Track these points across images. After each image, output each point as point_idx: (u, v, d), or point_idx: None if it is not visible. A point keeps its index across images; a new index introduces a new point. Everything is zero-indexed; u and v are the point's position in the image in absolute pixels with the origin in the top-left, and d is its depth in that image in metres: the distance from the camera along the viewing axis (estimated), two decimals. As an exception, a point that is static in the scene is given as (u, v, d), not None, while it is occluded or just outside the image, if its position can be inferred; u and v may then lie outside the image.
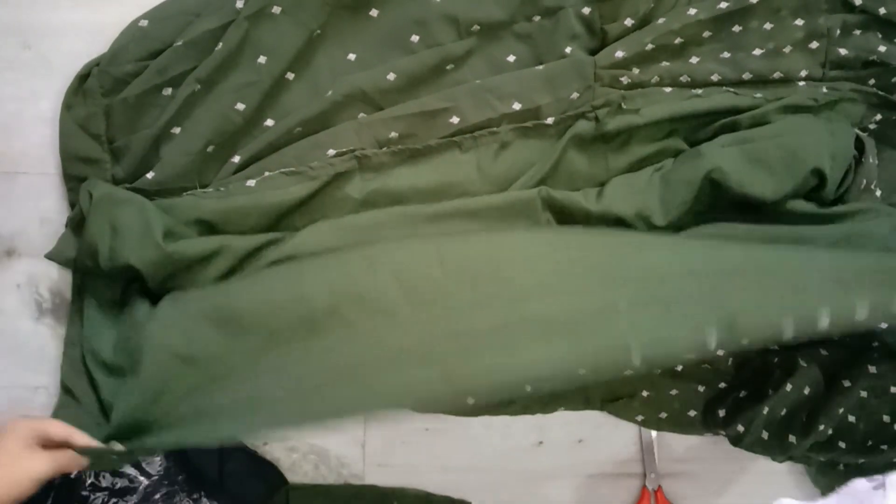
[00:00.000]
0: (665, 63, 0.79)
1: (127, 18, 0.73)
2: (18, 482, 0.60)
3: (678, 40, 0.79)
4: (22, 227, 0.76)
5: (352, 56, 0.76)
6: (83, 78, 0.72)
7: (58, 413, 0.73)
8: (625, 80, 0.77)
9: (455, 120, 0.76)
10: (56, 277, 0.76)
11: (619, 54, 0.77)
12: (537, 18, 0.77)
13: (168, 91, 0.72)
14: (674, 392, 0.81)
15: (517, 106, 0.76)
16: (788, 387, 0.76)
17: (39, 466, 0.61)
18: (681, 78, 0.80)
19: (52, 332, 0.76)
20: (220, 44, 0.71)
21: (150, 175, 0.72)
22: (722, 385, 0.81)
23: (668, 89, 0.79)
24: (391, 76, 0.75)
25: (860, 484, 0.61)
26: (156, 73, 0.71)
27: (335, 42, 0.75)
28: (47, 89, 0.75)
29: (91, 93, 0.72)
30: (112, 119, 0.72)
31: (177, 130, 0.73)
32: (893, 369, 0.86)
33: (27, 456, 0.61)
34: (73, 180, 0.74)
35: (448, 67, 0.77)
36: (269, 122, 0.75)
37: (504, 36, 0.78)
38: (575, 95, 0.77)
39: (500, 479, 0.82)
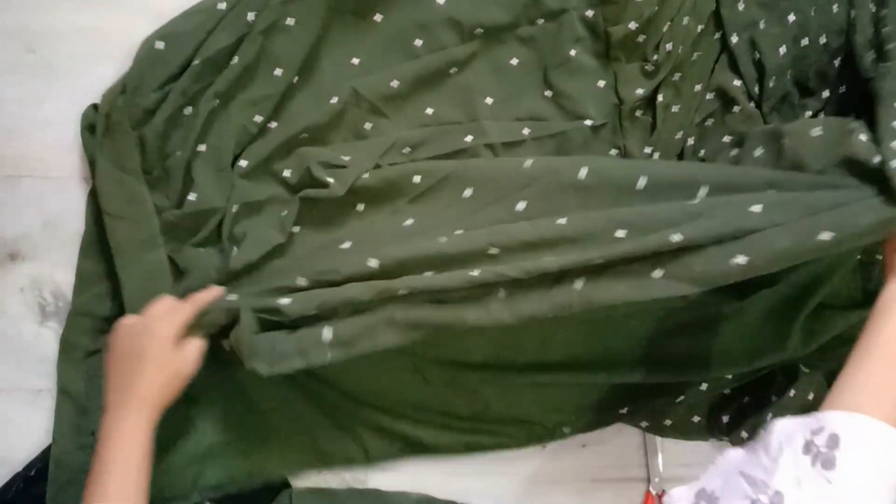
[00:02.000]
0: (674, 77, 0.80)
1: (129, 22, 0.73)
2: (179, 383, 0.63)
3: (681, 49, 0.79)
4: (25, 231, 0.76)
5: (355, 60, 0.76)
6: (108, 115, 0.71)
7: (57, 416, 0.73)
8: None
9: (621, 233, 0.63)
10: (59, 281, 0.76)
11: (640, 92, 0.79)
12: (541, 21, 0.77)
13: (188, 110, 0.72)
14: (678, 398, 0.80)
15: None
16: (792, 392, 0.76)
17: (191, 364, 0.64)
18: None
19: (55, 336, 0.75)
20: (236, 58, 0.71)
21: (191, 197, 0.72)
22: (726, 391, 0.80)
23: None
24: (395, 83, 0.74)
25: (733, 454, 0.51)
26: (179, 94, 0.71)
27: (339, 47, 0.75)
28: (50, 92, 0.75)
29: (120, 127, 0.70)
30: (145, 149, 0.71)
31: (202, 147, 0.72)
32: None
33: (178, 356, 0.63)
34: (118, 220, 0.71)
35: (451, 71, 0.77)
36: (273, 125, 0.75)
37: (507, 39, 0.77)
38: None
39: (503, 484, 0.82)
